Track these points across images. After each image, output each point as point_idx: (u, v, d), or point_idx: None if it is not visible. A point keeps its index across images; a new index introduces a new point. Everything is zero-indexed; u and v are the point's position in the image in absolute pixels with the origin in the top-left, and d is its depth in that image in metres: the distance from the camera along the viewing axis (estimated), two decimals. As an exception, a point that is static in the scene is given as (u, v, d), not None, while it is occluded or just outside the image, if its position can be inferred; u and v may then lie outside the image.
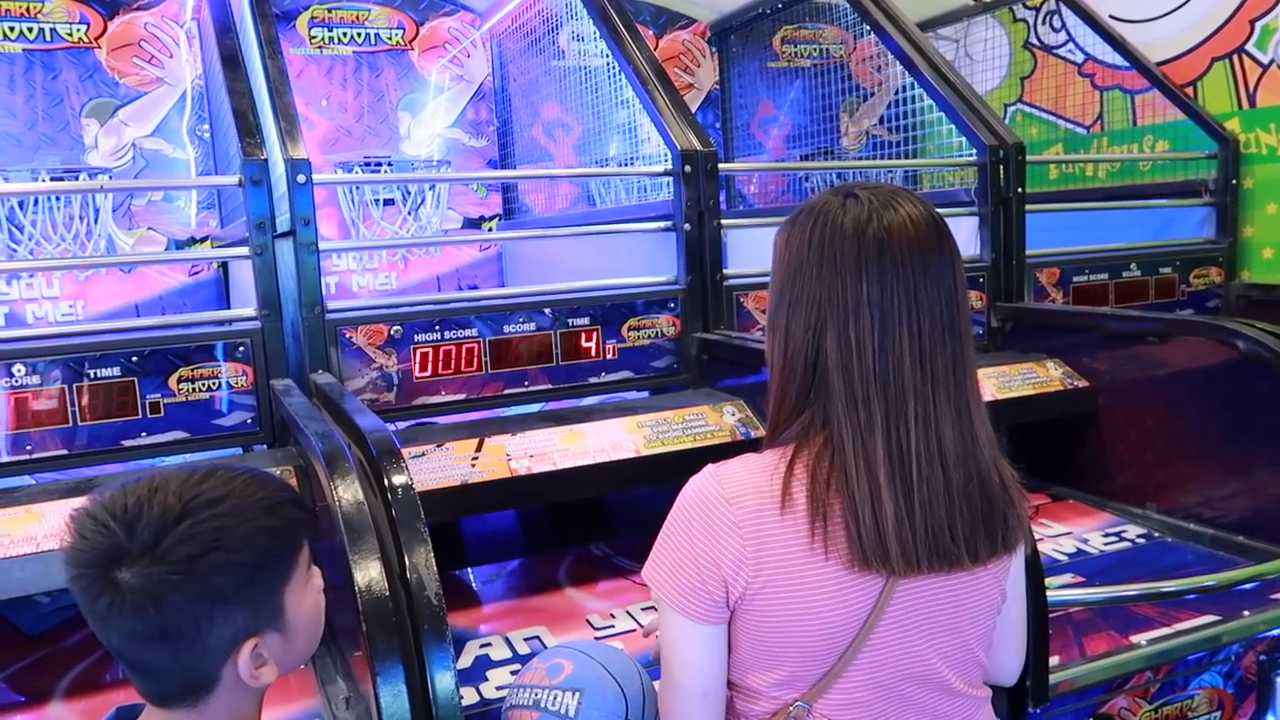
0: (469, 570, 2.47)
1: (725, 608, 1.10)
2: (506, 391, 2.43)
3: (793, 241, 1.13)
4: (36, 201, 3.51)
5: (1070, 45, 4.08)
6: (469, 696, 1.72)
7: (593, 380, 2.51)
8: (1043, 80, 4.22)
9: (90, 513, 0.96)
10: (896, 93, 3.65)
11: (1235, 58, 3.46)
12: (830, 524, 1.05)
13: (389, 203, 4.16)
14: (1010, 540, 1.13)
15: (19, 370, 1.99)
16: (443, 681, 1.31)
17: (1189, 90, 3.59)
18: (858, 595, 1.08)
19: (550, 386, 2.47)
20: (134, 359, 2.07)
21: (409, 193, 4.13)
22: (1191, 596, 2.01)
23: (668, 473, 2.12)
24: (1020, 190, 2.93)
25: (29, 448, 2.01)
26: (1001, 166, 2.92)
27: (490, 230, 4.50)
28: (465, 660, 1.89)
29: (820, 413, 1.08)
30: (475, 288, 4.31)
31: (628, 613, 2.08)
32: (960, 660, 1.16)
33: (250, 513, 0.97)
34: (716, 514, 1.08)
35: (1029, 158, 2.97)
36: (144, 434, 2.09)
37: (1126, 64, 3.72)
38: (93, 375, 2.04)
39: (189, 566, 0.92)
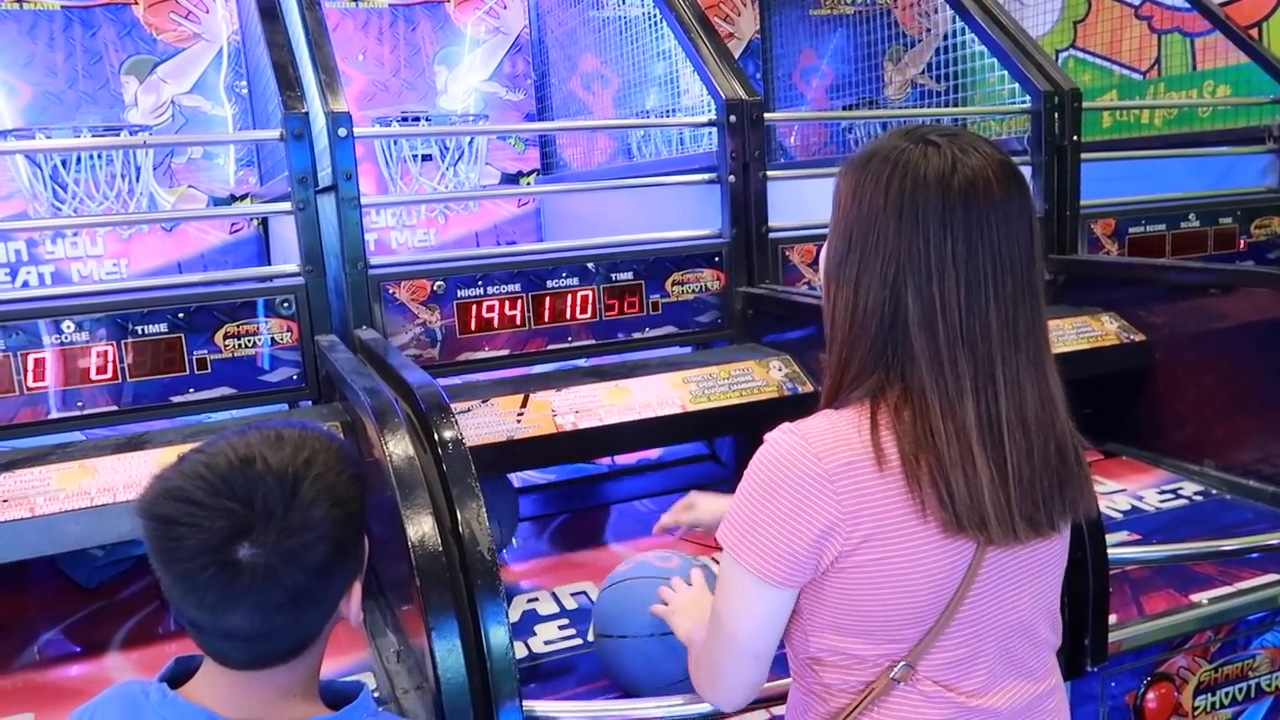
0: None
1: (809, 571, 1.06)
2: (549, 347, 2.41)
3: (864, 190, 1.05)
4: (79, 160, 3.52)
5: (1127, -14, 3.94)
6: (518, 650, 1.72)
7: (636, 335, 2.48)
8: (1097, 24, 4.08)
9: (187, 499, 0.91)
10: (944, 39, 3.54)
11: (1303, -3, 3.32)
12: (924, 485, 1.01)
13: (426, 158, 4.13)
14: (1083, 506, 1.10)
15: (68, 327, 2.00)
16: (497, 635, 1.31)
17: (1253, 32, 3.44)
18: (954, 555, 1.05)
19: (593, 342, 2.45)
20: (180, 315, 2.07)
21: (446, 148, 4.09)
22: (1254, 555, 1.96)
23: (715, 428, 2.10)
24: (1075, 138, 2.84)
25: (80, 404, 2.02)
26: (1056, 114, 2.82)
27: (529, 185, 4.46)
28: (513, 615, 1.89)
29: (897, 374, 1.03)
30: (514, 243, 4.29)
31: (674, 568, 2.07)
32: (1047, 608, 1.16)
33: (337, 463, 0.98)
34: (805, 471, 1.03)
35: (1084, 104, 2.87)
36: (191, 390, 2.10)
37: (1187, 5, 3.57)
38: (140, 332, 2.05)
39: (319, 528, 0.93)
